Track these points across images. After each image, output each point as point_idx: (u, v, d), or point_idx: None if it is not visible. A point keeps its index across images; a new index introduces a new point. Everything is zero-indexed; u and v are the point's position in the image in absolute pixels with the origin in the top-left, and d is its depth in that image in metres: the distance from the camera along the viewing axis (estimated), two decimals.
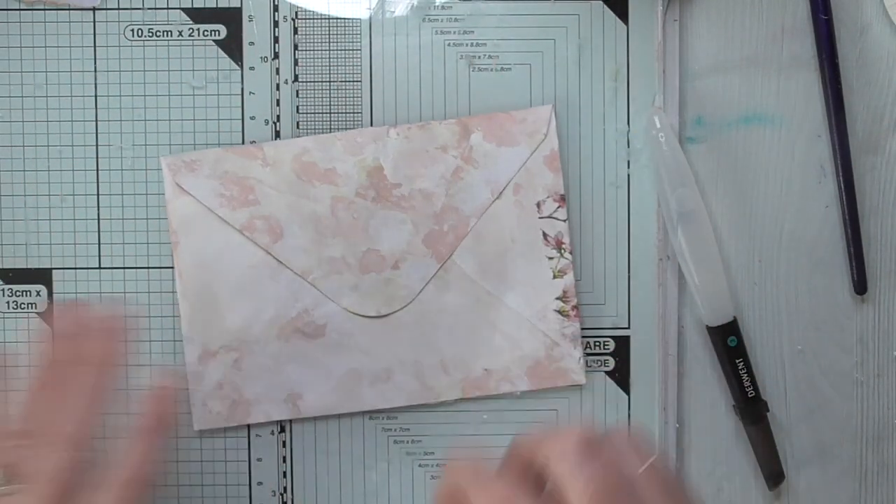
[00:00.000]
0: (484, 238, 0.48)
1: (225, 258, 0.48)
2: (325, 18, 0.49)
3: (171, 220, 0.48)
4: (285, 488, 0.50)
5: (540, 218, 0.48)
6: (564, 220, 0.48)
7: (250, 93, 0.49)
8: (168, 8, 0.49)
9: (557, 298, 0.48)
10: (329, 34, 0.49)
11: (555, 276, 0.48)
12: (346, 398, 0.48)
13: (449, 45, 0.49)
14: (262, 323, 0.48)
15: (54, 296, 0.49)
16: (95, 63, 0.49)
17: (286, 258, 0.48)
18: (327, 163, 0.48)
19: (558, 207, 0.48)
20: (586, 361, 0.49)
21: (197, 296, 0.48)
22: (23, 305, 0.49)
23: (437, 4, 0.49)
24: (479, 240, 0.48)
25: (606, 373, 0.49)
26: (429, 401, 0.48)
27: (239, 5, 0.49)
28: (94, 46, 0.49)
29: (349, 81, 0.49)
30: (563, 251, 0.48)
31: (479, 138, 0.48)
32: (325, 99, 0.49)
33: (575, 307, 0.48)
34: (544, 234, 0.48)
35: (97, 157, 0.49)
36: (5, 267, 0.49)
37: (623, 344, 0.49)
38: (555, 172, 0.48)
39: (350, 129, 0.49)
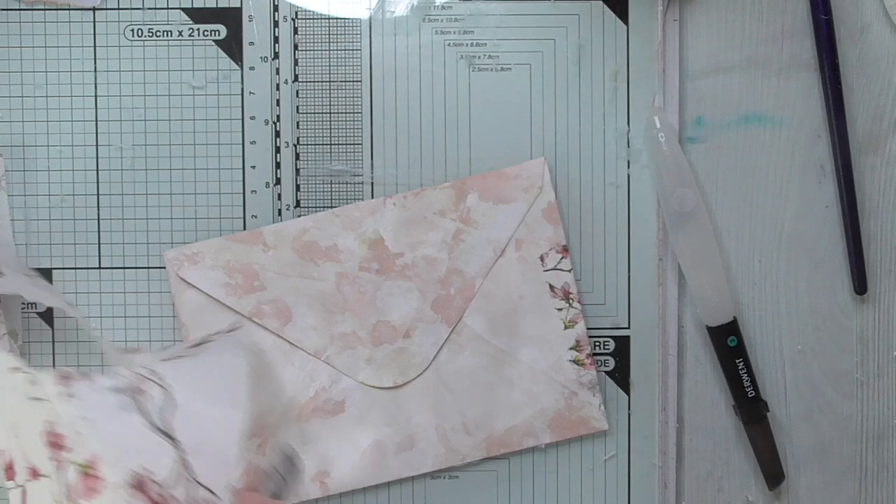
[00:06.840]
0: (492, 297, 0.48)
1: None
2: (325, 18, 0.49)
3: (179, 315, 0.48)
4: None
5: (545, 271, 0.48)
6: (569, 271, 0.48)
7: (250, 93, 0.49)
8: (168, 8, 0.49)
9: (571, 349, 0.48)
10: (329, 34, 0.49)
11: (566, 327, 0.48)
12: (373, 471, 0.48)
13: (449, 45, 0.49)
14: (282, 406, 0.47)
15: None
16: (95, 63, 0.49)
17: (297, 339, 0.47)
18: (328, 240, 0.48)
19: (562, 258, 0.48)
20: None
21: None
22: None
23: (437, 4, 0.49)
24: (487, 299, 0.48)
25: (606, 373, 0.49)
26: (454, 463, 0.48)
27: (239, 5, 0.49)
28: (94, 46, 0.49)
29: (349, 81, 0.49)
30: (571, 301, 0.48)
31: (476, 199, 0.48)
32: (325, 99, 0.49)
33: (589, 355, 0.48)
34: (551, 287, 0.48)
35: (97, 157, 0.49)
36: None
37: (623, 344, 0.49)
38: (555, 224, 0.48)
39: (350, 129, 0.49)
